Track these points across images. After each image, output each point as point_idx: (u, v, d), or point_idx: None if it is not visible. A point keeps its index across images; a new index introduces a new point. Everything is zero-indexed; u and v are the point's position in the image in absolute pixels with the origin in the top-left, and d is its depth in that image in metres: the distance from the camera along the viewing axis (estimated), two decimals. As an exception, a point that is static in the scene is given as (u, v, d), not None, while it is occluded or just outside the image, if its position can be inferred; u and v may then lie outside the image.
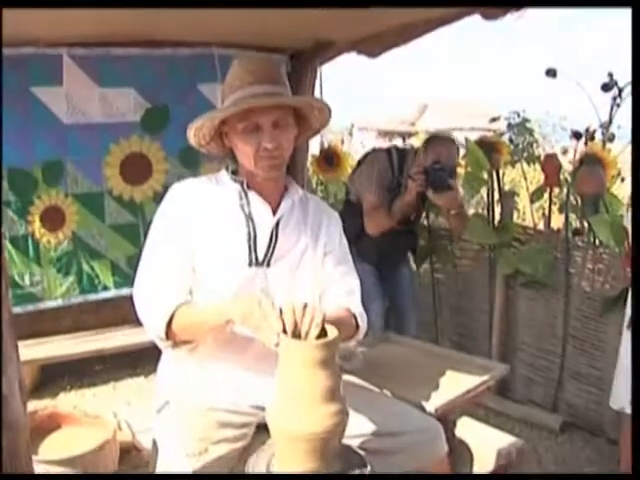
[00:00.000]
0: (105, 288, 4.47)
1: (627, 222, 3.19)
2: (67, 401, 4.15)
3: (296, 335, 1.75)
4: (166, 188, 4.34)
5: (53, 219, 4.22)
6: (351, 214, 3.83)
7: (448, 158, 3.75)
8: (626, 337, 3.19)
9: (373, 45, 4.66)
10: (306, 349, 1.69)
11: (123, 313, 4.37)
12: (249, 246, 2.06)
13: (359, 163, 4.15)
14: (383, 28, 4.27)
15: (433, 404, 2.37)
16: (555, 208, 4.67)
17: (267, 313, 1.71)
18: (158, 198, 4.39)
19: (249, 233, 2.06)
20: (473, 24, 3.97)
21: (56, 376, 4.41)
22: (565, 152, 4.33)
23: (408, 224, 4.10)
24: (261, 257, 2.07)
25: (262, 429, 2.04)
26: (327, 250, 2.18)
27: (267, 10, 3.36)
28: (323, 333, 1.76)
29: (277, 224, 2.10)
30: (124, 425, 2.12)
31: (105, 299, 4.52)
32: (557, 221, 4.82)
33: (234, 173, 2.13)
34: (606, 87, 4.06)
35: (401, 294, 4.22)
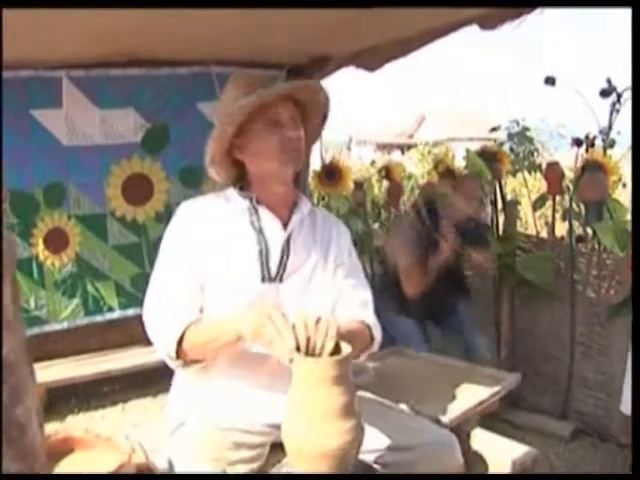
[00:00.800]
0: (110, 309, 4.45)
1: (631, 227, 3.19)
2: (75, 424, 4.13)
3: (310, 350, 1.74)
4: (168, 208, 4.45)
5: (56, 241, 4.21)
6: (388, 280, 3.89)
7: (477, 197, 3.75)
8: (634, 343, 3.19)
9: (372, 58, 4.67)
10: (320, 366, 1.68)
11: (129, 334, 4.39)
12: (261, 262, 2.04)
13: (389, 228, 4.17)
14: (381, 41, 4.28)
15: (447, 417, 2.36)
16: (558, 216, 4.67)
17: (279, 327, 1.69)
18: (161, 218, 4.43)
19: (261, 249, 2.05)
20: (469, 34, 3.98)
21: (63, 399, 4.39)
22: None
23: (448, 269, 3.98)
24: (273, 273, 2.05)
25: (277, 448, 2.04)
26: (338, 263, 2.17)
27: (264, 26, 3.38)
28: (337, 349, 1.76)
29: (288, 239, 2.09)
30: (136, 446, 2.09)
31: (111, 320, 4.51)
32: (560, 229, 4.83)
33: (242, 189, 2.13)
34: (605, 93, 4.05)
35: (466, 331, 4.11)
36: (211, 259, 2.01)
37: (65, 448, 1.96)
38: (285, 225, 2.09)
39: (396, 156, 17.86)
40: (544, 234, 5.15)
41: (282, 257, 2.07)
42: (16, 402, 1.00)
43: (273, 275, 2.05)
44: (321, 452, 1.66)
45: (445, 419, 2.35)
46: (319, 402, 1.67)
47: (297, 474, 1.68)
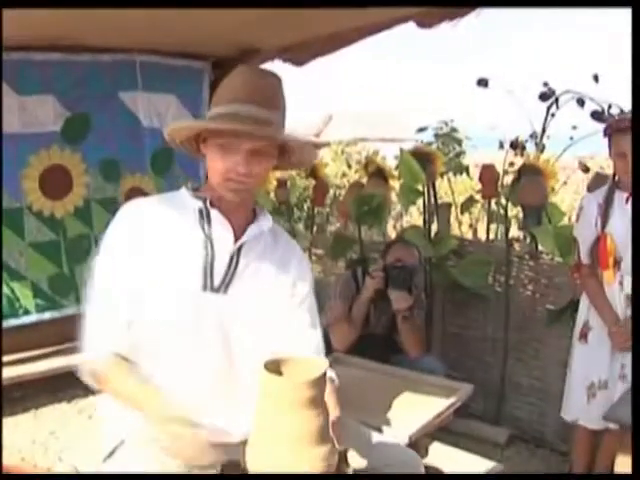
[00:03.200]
0: (26, 312, 4.13)
1: (576, 232, 3.16)
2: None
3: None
4: (87, 203, 4.20)
5: (-32, 237, 3.90)
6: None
7: (409, 261, 3.63)
8: (577, 349, 3.16)
9: (300, 53, 4.58)
10: (292, 387, 1.53)
11: (44, 336, 4.11)
12: (204, 269, 1.90)
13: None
14: (311, 36, 4.18)
15: (406, 432, 2.24)
16: (485, 219, 4.66)
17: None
18: (80, 214, 4.20)
19: (206, 255, 1.91)
20: (400, 32, 3.90)
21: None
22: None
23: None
24: (217, 282, 1.91)
25: (230, 469, 1.88)
26: (297, 290, 2.05)
27: (191, 15, 3.21)
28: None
29: (239, 250, 1.94)
30: (74, 472, 1.90)
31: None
32: (483, 231, 4.81)
33: (196, 190, 1.96)
34: (544, 96, 4.03)
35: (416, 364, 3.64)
36: (150, 266, 1.87)
37: (-1, 478, 1.75)
38: (238, 235, 1.94)
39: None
40: (469, 237, 5.13)
41: (229, 268, 1.93)
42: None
43: (216, 285, 1.91)
44: (295, 480, 1.52)
45: (404, 435, 2.23)
46: (291, 427, 1.53)
47: (296, 474, 1.53)
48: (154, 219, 1.92)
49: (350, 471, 1.65)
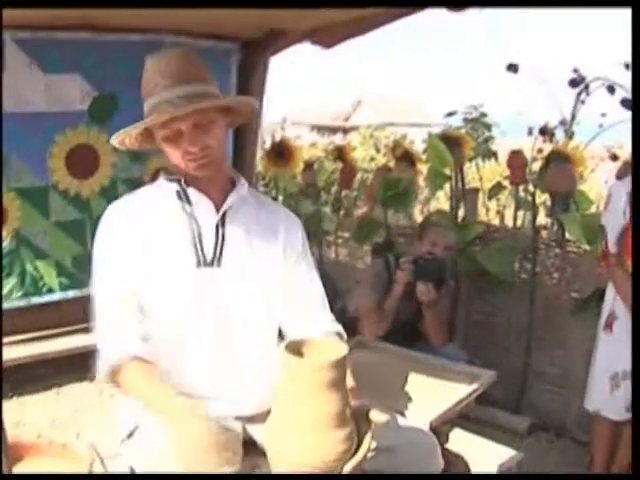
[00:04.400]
0: (50, 290, 4.16)
1: (604, 221, 3.11)
2: (7, 409, 3.88)
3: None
4: (114, 183, 4.19)
5: (-6, 215, 3.91)
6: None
7: (444, 246, 3.58)
8: (602, 339, 3.12)
9: (328, 36, 4.54)
10: (314, 369, 1.53)
11: (67, 315, 4.14)
12: (195, 246, 1.95)
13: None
14: (339, 19, 4.14)
15: (427, 418, 2.22)
16: (513, 205, 4.61)
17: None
18: (106, 194, 4.19)
19: (193, 232, 1.95)
20: (427, 17, 3.84)
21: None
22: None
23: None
24: (209, 257, 1.95)
25: (250, 448, 1.87)
26: (289, 249, 2.08)
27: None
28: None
29: (223, 221, 1.98)
30: (93, 453, 1.90)
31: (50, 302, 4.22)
32: (510, 218, 4.76)
33: (170, 174, 2.01)
34: (574, 83, 3.98)
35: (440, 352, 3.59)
36: (146, 256, 1.92)
37: (14, 455, 1.74)
38: (219, 207, 1.98)
39: (338, 139, 17.75)
40: (496, 223, 5.09)
41: (217, 240, 1.97)
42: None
43: (209, 260, 1.96)
44: (313, 463, 1.51)
45: (425, 421, 2.21)
46: (311, 408, 1.52)
47: (296, 474, 1.52)
48: (138, 212, 1.98)
49: (372, 428, 1.62)
